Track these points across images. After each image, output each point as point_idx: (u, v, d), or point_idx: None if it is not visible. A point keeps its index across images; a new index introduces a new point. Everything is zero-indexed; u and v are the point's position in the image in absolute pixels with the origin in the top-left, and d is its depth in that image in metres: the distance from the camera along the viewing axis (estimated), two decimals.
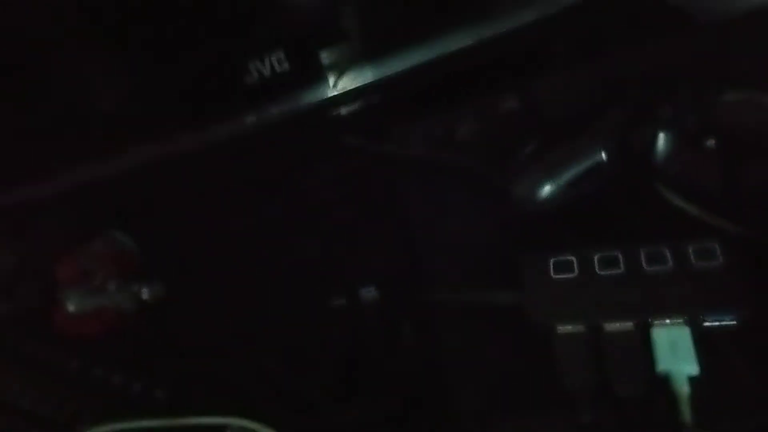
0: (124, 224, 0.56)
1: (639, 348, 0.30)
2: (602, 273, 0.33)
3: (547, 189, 0.38)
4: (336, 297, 0.45)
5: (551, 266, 0.34)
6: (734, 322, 0.30)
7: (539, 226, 0.39)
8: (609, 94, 0.39)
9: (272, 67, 0.52)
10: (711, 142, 0.33)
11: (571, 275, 0.33)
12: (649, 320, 0.30)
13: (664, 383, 0.29)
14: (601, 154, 0.38)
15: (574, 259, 0.34)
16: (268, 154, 0.60)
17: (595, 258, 0.34)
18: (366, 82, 0.55)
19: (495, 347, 0.34)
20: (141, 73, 0.53)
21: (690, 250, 0.32)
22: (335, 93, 0.57)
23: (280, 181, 0.58)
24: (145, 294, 0.53)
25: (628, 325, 0.31)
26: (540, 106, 0.46)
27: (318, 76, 0.53)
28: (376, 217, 0.50)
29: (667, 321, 0.30)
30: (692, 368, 0.29)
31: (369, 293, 0.44)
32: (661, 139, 0.35)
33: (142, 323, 0.52)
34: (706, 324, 0.30)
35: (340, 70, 0.51)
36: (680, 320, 0.30)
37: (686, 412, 0.27)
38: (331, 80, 0.57)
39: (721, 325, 0.30)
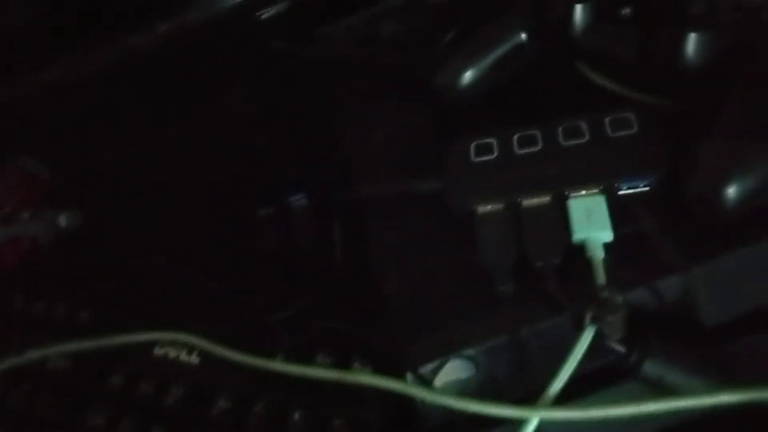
0: (34, 149, 0.53)
1: (556, 219, 0.30)
2: (521, 152, 0.33)
3: (468, 75, 0.37)
4: (264, 207, 0.43)
5: (472, 150, 0.34)
6: (647, 188, 0.30)
7: (463, 114, 0.38)
8: None
9: None
10: (626, 11, 0.32)
11: (490, 157, 0.33)
12: (566, 192, 0.30)
13: (580, 251, 0.29)
14: (520, 35, 0.37)
15: (494, 141, 0.33)
16: (185, 65, 0.56)
17: (514, 138, 0.33)
18: None
19: (420, 233, 0.34)
20: None
21: (606, 122, 0.32)
22: None
23: (200, 95, 0.55)
24: (62, 221, 0.51)
25: (545, 198, 0.31)
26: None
27: None
28: (301, 126, 0.49)
29: (583, 192, 0.30)
30: (607, 235, 0.29)
31: (298, 201, 0.43)
32: (578, 11, 0.34)
33: (60, 252, 0.49)
34: (621, 192, 0.30)
35: None
36: (596, 190, 0.30)
37: (600, 275, 0.28)
38: None
39: (636, 192, 0.30)
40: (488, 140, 0.34)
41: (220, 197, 0.47)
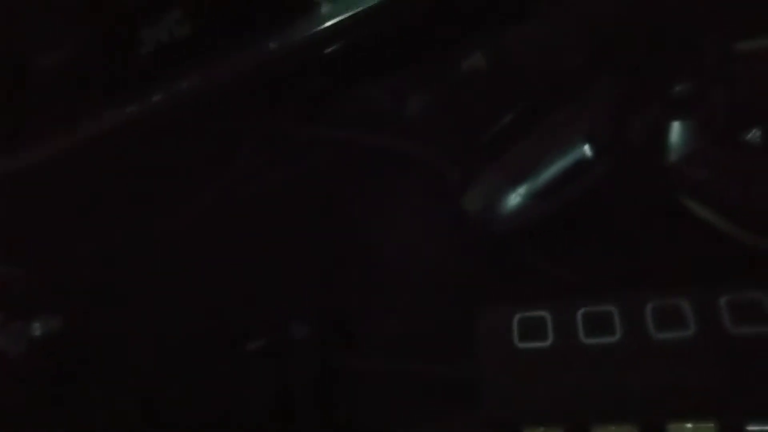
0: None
1: None
2: (589, 342, 0.22)
3: (509, 202, 0.27)
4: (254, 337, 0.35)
5: (515, 327, 0.23)
6: None
7: (502, 251, 0.27)
8: (596, 56, 0.27)
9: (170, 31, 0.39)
10: (755, 134, 0.22)
11: (543, 344, 0.23)
12: (663, 424, 0.20)
13: None
14: (584, 147, 0.26)
15: (548, 316, 0.23)
16: (176, 144, 0.47)
17: (579, 315, 0.23)
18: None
19: None
20: None
21: (722, 304, 0.21)
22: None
23: (195, 180, 0.46)
24: (36, 330, 0.43)
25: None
26: (504, 70, 0.33)
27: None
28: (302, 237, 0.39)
29: (689, 425, 0.20)
30: None
31: (299, 332, 0.34)
32: (676, 131, 0.23)
33: (32, 368, 0.41)
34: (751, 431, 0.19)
35: None
36: (710, 425, 0.19)
37: None
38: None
39: None
40: (539, 314, 0.23)
41: (205, 315, 0.38)
